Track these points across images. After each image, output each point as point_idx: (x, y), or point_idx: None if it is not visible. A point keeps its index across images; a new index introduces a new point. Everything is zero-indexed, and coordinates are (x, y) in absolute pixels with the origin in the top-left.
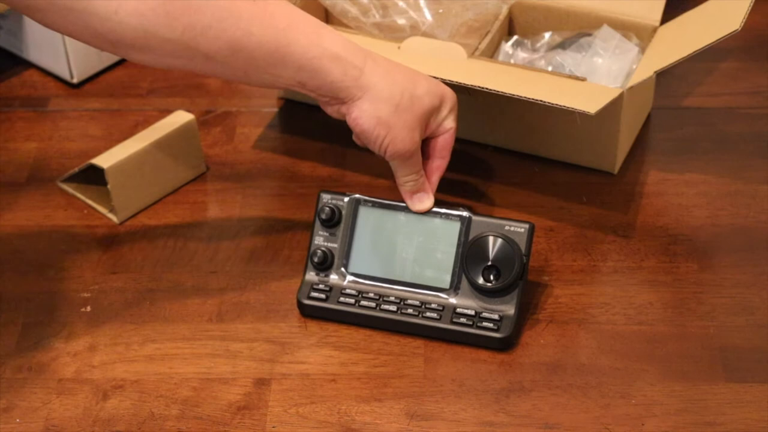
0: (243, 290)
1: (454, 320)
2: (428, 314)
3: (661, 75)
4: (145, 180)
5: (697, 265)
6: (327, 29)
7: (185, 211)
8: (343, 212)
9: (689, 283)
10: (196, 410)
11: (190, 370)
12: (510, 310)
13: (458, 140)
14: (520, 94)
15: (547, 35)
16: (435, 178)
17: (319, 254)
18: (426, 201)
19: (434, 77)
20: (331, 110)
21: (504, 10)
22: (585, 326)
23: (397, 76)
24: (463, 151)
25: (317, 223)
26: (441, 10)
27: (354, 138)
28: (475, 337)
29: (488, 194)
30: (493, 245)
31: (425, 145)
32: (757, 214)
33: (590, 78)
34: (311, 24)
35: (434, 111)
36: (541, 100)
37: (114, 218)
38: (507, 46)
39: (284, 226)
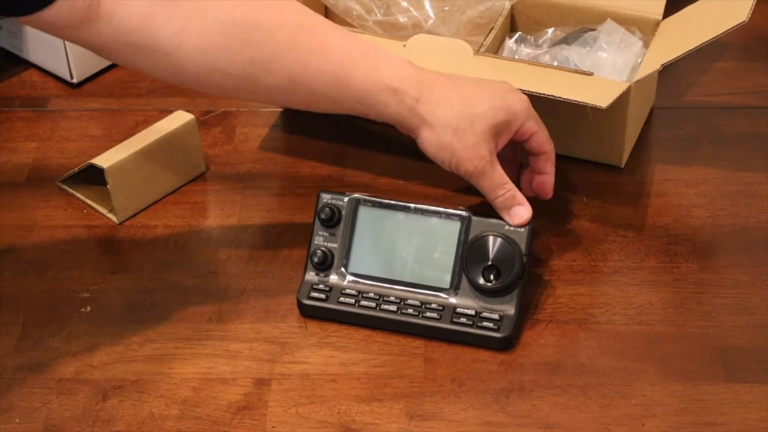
0: (243, 290)
1: (454, 320)
2: (428, 314)
3: (662, 74)
4: (145, 180)
5: (697, 265)
6: (384, 59)
7: (185, 211)
8: (343, 212)
9: (689, 283)
10: (196, 410)
11: (190, 370)
12: (510, 309)
13: None
14: (531, 90)
15: (549, 31)
16: (549, 168)
17: (318, 254)
18: (523, 213)
19: None
20: (402, 131)
21: (507, 6)
22: (585, 326)
23: (454, 98)
24: None
25: (317, 223)
26: (447, 8)
27: None
28: (475, 336)
29: None
30: (493, 245)
31: (519, 149)
32: (757, 214)
33: (596, 72)
34: (369, 54)
35: (503, 125)
36: (552, 95)
37: (114, 218)
38: (510, 42)
39: (284, 226)
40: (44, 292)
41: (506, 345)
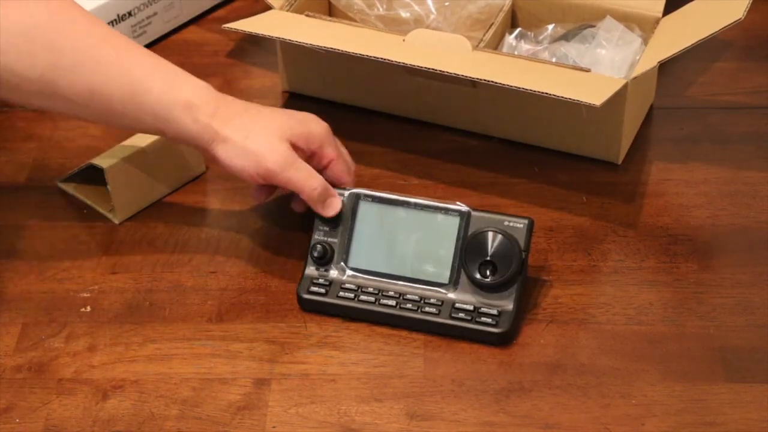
0: (243, 290)
1: (453, 315)
2: (427, 309)
3: (662, 74)
4: (145, 180)
5: (697, 265)
6: (183, 77)
7: (185, 211)
8: (344, 207)
9: (689, 283)
10: (196, 410)
11: (190, 370)
12: (508, 305)
13: (462, 132)
14: (526, 87)
15: (550, 27)
16: (337, 170)
17: (318, 249)
18: (338, 204)
19: (436, 70)
20: (202, 153)
21: (507, 2)
22: (585, 326)
23: (250, 113)
24: (467, 147)
25: (318, 218)
26: (447, 3)
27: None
28: (473, 332)
29: (487, 196)
30: (492, 241)
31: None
32: (757, 214)
33: (594, 69)
34: (168, 73)
35: (299, 136)
36: (546, 93)
37: (114, 218)
38: (510, 38)
39: (284, 226)
40: (44, 292)
41: (504, 340)
